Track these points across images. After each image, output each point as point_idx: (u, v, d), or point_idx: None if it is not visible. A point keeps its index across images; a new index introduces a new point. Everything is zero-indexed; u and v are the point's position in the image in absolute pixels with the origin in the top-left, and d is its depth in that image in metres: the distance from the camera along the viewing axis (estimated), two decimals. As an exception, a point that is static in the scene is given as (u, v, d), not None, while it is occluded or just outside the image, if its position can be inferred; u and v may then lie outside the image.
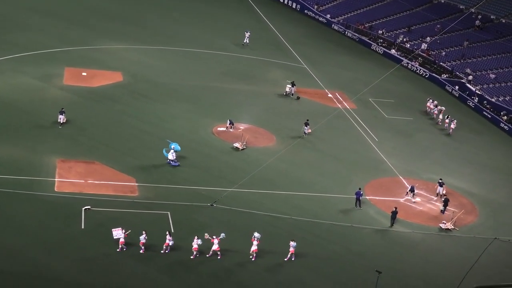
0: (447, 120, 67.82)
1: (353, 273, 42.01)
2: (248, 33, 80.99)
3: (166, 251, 40.09)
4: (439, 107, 70.23)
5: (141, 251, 39.73)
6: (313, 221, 46.70)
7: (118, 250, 39.56)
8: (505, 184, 58.03)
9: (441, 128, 67.87)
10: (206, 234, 40.57)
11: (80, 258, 38.76)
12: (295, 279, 40.45)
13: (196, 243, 40.00)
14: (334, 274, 41.67)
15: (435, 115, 69.89)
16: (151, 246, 40.27)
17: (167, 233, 40.42)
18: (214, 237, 40.50)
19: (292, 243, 41.65)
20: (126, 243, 39.66)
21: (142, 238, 39.63)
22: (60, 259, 38.41)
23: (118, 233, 39.57)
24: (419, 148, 62.56)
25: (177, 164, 50.61)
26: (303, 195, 50.15)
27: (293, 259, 41.62)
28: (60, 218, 41.79)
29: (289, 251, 41.65)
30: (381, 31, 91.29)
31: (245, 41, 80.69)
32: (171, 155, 50.59)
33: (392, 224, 47.74)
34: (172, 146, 50.93)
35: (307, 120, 60.50)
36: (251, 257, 40.95)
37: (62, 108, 54.64)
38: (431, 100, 71.98)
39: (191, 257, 40.08)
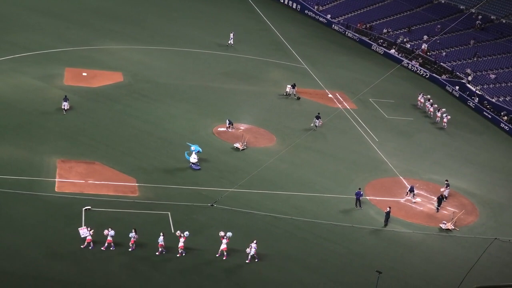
0: (438, 114, 68.75)
1: (353, 273, 41.99)
2: (232, 34, 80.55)
3: (133, 249, 39.77)
4: (431, 100, 71.46)
5: (130, 249, 39.71)
6: (313, 221, 46.69)
7: (82, 247, 39.28)
8: (506, 184, 58.00)
9: (433, 122, 68.80)
10: (178, 231, 40.47)
11: (80, 258, 38.74)
12: (295, 279, 40.44)
13: (161, 240, 39.87)
14: (334, 274, 41.66)
15: (427, 108, 70.96)
16: (153, 245, 40.34)
17: (133, 230, 39.94)
18: (182, 234, 40.21)
19: (253, 245, 40.84)
20: (93, 241, 39.52)
21: (132, 237, 39.70)
22: (60, 259, 38.41)
23: (84, 232, 39.44)
24: (419, 148, 62.56)
25: (198, 168, 50.67)
26: (304, 195, 50.14)
27: (256, 260, 40.87)
28: (60, 218, 41.77)
29: (249, 253, 40.88)
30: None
31: (229, 42, 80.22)
32: (193, 158, 50.64)
33: (385, 224, 47.62)
34: (192, 148, 51.02)
35: (319, 113, 61.80)
36: (218, 255, 40.45)
37: (66, 95, 56.48)
38: (422, 95, 73.02)
39: (157, 253, 39.91)
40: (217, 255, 40.62)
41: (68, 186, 45.69)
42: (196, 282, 38.66)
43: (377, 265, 41.07)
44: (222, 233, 40.95)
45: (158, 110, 60.11)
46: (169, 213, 44.28)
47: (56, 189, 45.07)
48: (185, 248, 40.34)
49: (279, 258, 41.94)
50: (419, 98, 72.63)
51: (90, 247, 39.38)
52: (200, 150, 51.36)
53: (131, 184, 47.30)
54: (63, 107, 55.95)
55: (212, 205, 46.08)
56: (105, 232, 39.52)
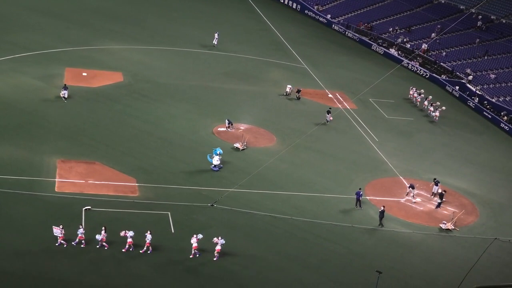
0: (431, 108, 69.80)
1: (353, 273, 41.99)
2: (217, 34, 79.92)
3: (106, 247, 39.66)
4: (422, 95, 72.60)
5: (97, 246, 39.52)
6: (313, 221, 46.70)
7: (57, 244, 39.23)
8: (506, 184, 58.03)
9: (425, 115, 69.91)
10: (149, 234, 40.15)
11: (80, 258, 38.77)
12: (295, 279, 40.45)
13: (129, 236, 39.65)
14: (334, 274, 41.67)
15: (418, 103, 72.19)
16: (156, 246, 40.37)
17: (103, 228, 39.77)
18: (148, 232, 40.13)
19: (220, 241, 40.32)
20: (64, 239, 39.45)
21: (102, 235, 39.56)
22: (60, 259, 38.42)
23: (57, 232, 39.28)
24: (419, 148, 62.57)
25: (219, 168, 50.95)
26: (304, 195, 50.15)
27: (215, 259, 40.36)
28: (60, 219, 41.67)
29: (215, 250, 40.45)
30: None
31: (214, 42, 79.33)
32: (215, 161, 50.85)
33: (381, 224, 47.54)
34: (218, 152, 51.36)
35: (330, 108, 63.14)
36: (192, 255, 40.13)
37: (65, 84, 59.03)
38: (414, 89, 74.01)
39: (123, 250, 39.70)
40: (190, 256, 40.22)
41: (68, 186, 45.69)
42: (196, 282, 38.68)
43: (377, 265, 41.07)
44: (193, 240, 40.25)
45: (158, 110, 60.11)
46: (169, 213, 44.28)
47: (56, 189, 45.07)
48: (188, 249, 40.33)
49: (279, 258, 41.95)
50: (411, 93, 73.75)
51: (64, 245, 39.23)
52: (221, 152, 51.84)
53: (131, 184, 47.30)
54: (62, 95, 57.79)
55: (212, 205, 46.08)
56: (79, 231, 39.47)
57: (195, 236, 40.38)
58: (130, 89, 63.60)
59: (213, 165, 51.03)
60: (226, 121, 58.67)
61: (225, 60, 76.15)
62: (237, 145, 55.43)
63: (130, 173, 48.65)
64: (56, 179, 46.20)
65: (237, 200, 47.18)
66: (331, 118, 62.97)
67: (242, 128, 59.36)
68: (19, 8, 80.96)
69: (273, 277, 40.26)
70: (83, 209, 43.03)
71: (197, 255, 40.28)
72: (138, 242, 40.07)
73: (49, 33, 74.69)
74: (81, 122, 55.27)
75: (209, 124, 59.10)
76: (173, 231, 42.39)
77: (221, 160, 51.30)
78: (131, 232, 39.77)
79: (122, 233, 39.83)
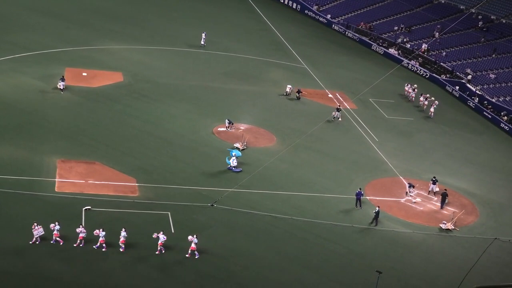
0: (426, 102, 70.66)
1: (353, 273, 41.99)
2: (204, 34, 79.52)
3: (80, 245, 39.58)
4: (416, 90, 73.49)
5: (76, 244, 39.58)
6: (313, 221, 46.70)
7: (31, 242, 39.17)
8: (506, 184, 58.01)
9: (420, 110, 70.91)
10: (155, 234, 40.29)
11: (80, 258, 38.78)
12: (295, 279, 40.45)
13: (102, 236, 39.52)
14: (334, 274, 41.67)
15: (413, 98, 73.00)
16: (156, 246, 40.36)
17: (80, 225, 39.85)
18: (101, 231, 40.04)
19: (193, 239, 40.15)
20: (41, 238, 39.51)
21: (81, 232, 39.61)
22: (60, 259, 38.43)
23: (38, 232, 39.28)
24: (419, 148, 62.57)
25: (239, 170, 51.18)
26: (304, 195, 50.15)
27: (196, 256, 40.21)
28: (60, 219, 41.65)
29: (189, 248, 40.26)
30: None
31: (202, 42, 78.78)
32: (232, 162, 51.02)
33: (376, 224, 47.50)
34: (234, 154, 51.60)
35: (339, 106, 64.96)
36: (157, 252, 40.02)
37: (63, 76, 60.95)
38: (409, 85, 74.66)
39: (94, 246, 39.62)
40: (156, 253, 40.14)
41: (68, 186, 45.70)
42: (196, 282, 38.69)
43: (377, 265, 41.08)
44: (160, 237, 40.34)
45: (158, 110, 60.12)
46: (169, 213, 44.29)
47: (56, 189, 45.09)
48: (186, 249, 40.37)
49: (279, 258, 41.96)
50: (406, 88, 74.19)
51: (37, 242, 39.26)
52: (240, 154, 52.31)
53: (131, 184, 47.31)
54: (59, 86, 59.40)
55: (212, 205, 46.09)
56: (51, 226, 39.37)
57: (162, 233, 40.22)
58: (130, 89, 63.61)
59: (230, 166, 51.16)
60: (226, 121, 58.69)
61: (225, 60, 76.16)
62: (237, 145, 55.43)
63: (130, 173, 48.66)
64: (56, 179, 46.21)
65: (237, 200, 47.19)
66: (335, 114, 63.85)
67: (242, 128, 59.37)
68: (19, 8, 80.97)
69: (273, 277, 40.28)
70: (83, 209, 43.04)
71: (162, 251, 40.09)
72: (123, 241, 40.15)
73: (49, 33, 74.71)
74: (81, 122, 55.28)
75: (209, 124, 59.10)
76: (173, 231, 42.38)
77: (236, 161, 51.64)
78: (103, 232, 39.62)
79: (95, 232, 39.74)
